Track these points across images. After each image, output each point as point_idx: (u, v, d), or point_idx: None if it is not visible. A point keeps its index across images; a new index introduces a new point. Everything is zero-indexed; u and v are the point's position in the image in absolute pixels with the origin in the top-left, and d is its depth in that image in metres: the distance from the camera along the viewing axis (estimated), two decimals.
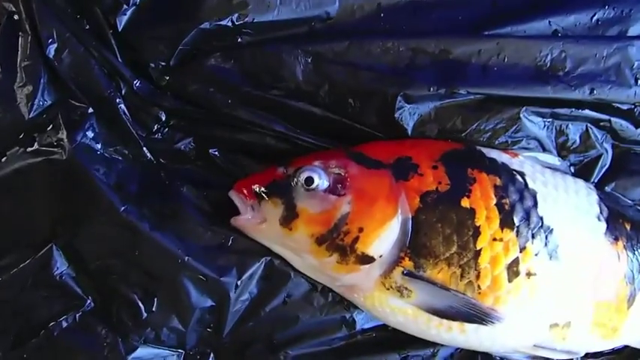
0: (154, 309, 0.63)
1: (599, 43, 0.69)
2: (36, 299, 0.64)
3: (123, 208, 0.62)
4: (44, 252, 0.63)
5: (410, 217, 0.60)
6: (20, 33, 0.63)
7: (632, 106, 0.71)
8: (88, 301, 0.64)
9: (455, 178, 0.62)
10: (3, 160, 0.64)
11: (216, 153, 0.70)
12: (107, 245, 0.63)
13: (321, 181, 0.61)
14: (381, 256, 0.59)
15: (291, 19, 0.67)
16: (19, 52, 0.63)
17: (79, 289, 0.64)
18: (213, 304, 0.64)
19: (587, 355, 0.68)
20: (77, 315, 0.64)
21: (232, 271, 0.63)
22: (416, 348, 0.68)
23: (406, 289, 0.60)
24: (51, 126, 0.64)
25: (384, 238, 0.59)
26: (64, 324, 0.64)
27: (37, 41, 0.63)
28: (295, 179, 0.61)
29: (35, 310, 0.64)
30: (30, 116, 0.63)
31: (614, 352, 0.71)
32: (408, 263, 0.59)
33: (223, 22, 0.66)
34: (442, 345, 0.68)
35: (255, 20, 0.66)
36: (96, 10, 0.65)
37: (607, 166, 0.73)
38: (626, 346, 0.69)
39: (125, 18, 0.65)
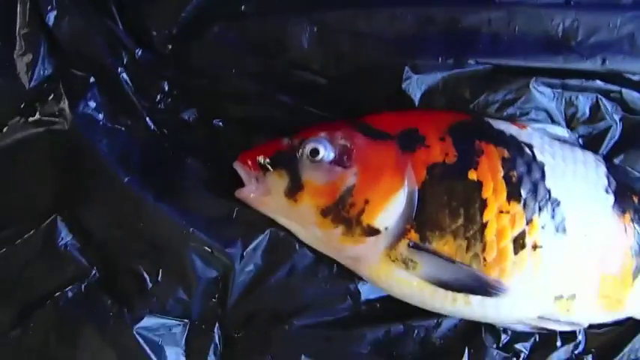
0: (159, 279, 0.63)
1: (613, 11, 0.68)
2: (41, 270, 0.64)
3: (126, 179, 0.62)
4: (48, 223, 0.63)
5: (416, 189, 0.59)
6: (19, 0, 0.62)
7: None
8: (94, 272, 0.64)
9: (462, 150, 0.61)
10: (4, 130, 0.63)
11: (220, 124, 0.69)
12: (111, 216, 0.63)
13: (326, 153, 0.60)
14: (386, 229, 0.59)
15: None
16: (18, 20, 0.62)
17: (83, 259, 0.64)
18: (218, 275, 0.64)
19: (590, 326, 0.68)
20: (83, 285, 0.64)
21: (237, 242, 0.63)
22: (420, 318, 0.68)
23: (412, 261, 0.59)
24: (52, 95, 0.63)
25: (390, 210, 0.59)
26: (70, 294, 0.64)
27: (36, 8, 0.62)
28: (300, 150, 0.61)
29: (40, 281, 0.64)
30: (30, 85, 0.62)
31: (617, 323, 0.71)
32: (413, 235, 0.59)
33: None
34: (446, 316, 0.68)
35: None
36: None
37: (616, 138, 0.72)
38: (628, 318, 0.69)
39: None
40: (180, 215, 0.63)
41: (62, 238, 0.63)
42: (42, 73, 0.63)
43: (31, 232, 0.63)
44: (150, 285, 0.63)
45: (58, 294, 0.64)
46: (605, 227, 0.64)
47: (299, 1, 0.66)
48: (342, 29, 0.65)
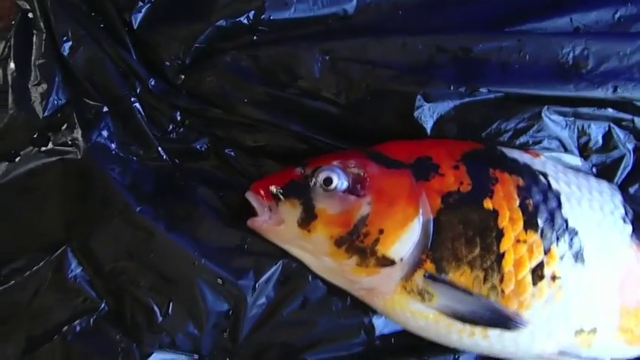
0: (169, 313, 0.62)
1: (623, 40, 0.68)
2: (50, 302, 0.63)
3: (138, 208, 0.62)
4: (58, 254, 0.62)
5: (431, 218, 0.58)
6: (35, 31, 0.63)
7: None
8: (103, 305, 0.63)
9: (476, 178, 0.60)
10: (17, 159, 0.63)
11: (232, 153, 0.69)
12: (122, 247, 0.62)
13: (340, 182, 0.60)
14: (401, 259, 0.58)
15: (308, 17, 0.66)
16: (34, 51, 0.63)
17: (93, 292, 0.63)
18: (230, 308, 0.63)
19: None
20: (91, 319, 0.63)
21: (249, 273, 0.62)
22: (435, 354, 0.66)
23: (428, 292, 0.58)
24: (65, 125, 0.63)
25: (404, 240, 0.58)
26: (78, 328, 0.63)
27: (51, 39, 0.63)
28: (313, 179, 0.60)
29: (49, 314, 0.63)
30: (44, 115, 0.63)
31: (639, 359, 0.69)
32: (429, 266, 0.58)
33: (239, 20, 0.65)
34: (463, 351, 0.66)
35: (271, 18, 0.65)
36: (111, 7, 0.64)
37: (630, 167, 0.71)
38: None
39: (140, 15, 0.65)
40: (191, 245, 0.62)
41: (72, 270, 0.63)
42: (56, 102, 0.63)
43: (41, 264, 0.62)
44: (160, 318, 0.62)
45: (66, 327, 0.63)
46: (624, 257, 0.62)
47: (310, 30, 0.67)
48: (353, 58, 0.65)
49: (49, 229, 0.63)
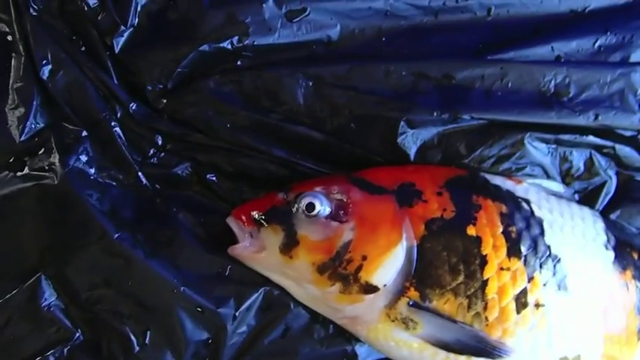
0: (147, 342, 0.60)
1: (603, 68, 0.69)
2: (22, 332, 0.61)
3: (116, 235, 0.60)
4: (32, 282, 0.61)
5: (415, 244, 0.58)
6: (13, 54, 0.62)
7: (636, 133, 0.70)
8: (78, 334, 0.61)
9: (460, 204, 0.60)
10: None
11: (214, 178, 0.68)
12: (99, 274, 0.61)
13: (322, 207, 0.59)
14: (385, 286, 0.57)
15: (292, 43, 0.66)
16: (12, 74, 0.62)
17: (68, 321, 0.61)
18: (210, 337, 0.61)
19: None
20: (65, 349, 0.61)
21: (230, 301, 0.61)
22: None
23: (412, 320, 0.57)
24: (42, 150, 0.62)
25: (388, 267, 0.57)
26: (52, 358, 0.61)
27: (30, 63, 0.62)
28: (296, 205, 0.59)
29: (21, 344, 0.61)
30: (21, 139, 0.62)
31: None
32: (413, 294, 0.57)
33: (223, 45, 0.65)
34: None
35: (255, 43, 0.65)
36: (92, 31, 0.63)
37: (611, 193, 0.71)
38: None
39: (122, 40, 0.64)
40: (170, 273, 0.61)
41: (46, 299, 0.61)
42: (33, 126, 0.62)
43: (14, 292, 0.60)
44: (137, 348, 0.60)
45: (39, 358, 0.61)
46: (607, 285, 0.62)
47: (294, 55, 0.67)
48: (337, 83, 0.65)
49: (23, 256, 0.62)
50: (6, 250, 0.62)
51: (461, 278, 0.57)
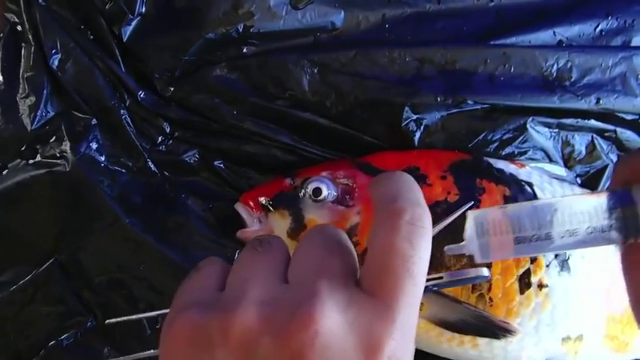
0: (158, 326, 0.61)
1: (605, 52, 0.69)
2: (37, 316, 0.62)
3: (128, 220, 0.61)
4: (46, 267, 0.62)
5: None
6: (23, 44, 0.62)
7: (637, 116, 0.70)
8: (91, 318, 0.63)
9: (464, 188, 0.61)
10: (4, 172, 0.62)
11: (222, 165, 0.69)
12: (111, 259, 0.62)
13: (329, 192, 0.60)
14: None
15: (297, 29, 0.66)
16: (22, 63, 0.62)
17: (81, 304, 0.63)
18: None
19: None
20: (79, 332, 0.62)
21: None
22: None
23: None
24: (54, 137, 0.63)
25: None
26: (65, 342, 0.62)
27: (40, 52, 0.62)
28: (303, 190, 0.60)
29: (36, 328, 0.62)
30: (32, 128, 0.62)
31: None
32: None
33: (229, 33, 0.65)
34: None
35: (260, 30, 0.65)
36: (100, 20, 0.64)
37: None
38: None
39: (130, 28, 0.64)
40: (181, 257, 0.62)
41: (60, 283, 0.62)
42: (44, 115, 0.63)
43: (28, 277, 0.62)
44: (149, 332, 0.61)
45: (53, 342, 0.62)
46: (610, 266, 0.63)
47: (299, 42, 0.67)
48: (342, 70, 0.66)
49: (37, 242, 0.63)
50: (19, 236, 0.63)
51: (465, 260, 0.58)
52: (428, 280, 0.38)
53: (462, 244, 0.38)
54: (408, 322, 0.34)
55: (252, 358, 0.33)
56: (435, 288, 0.40)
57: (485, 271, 0.40)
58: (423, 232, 0.36)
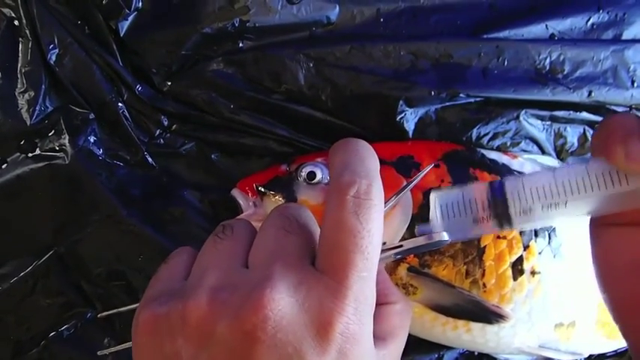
0: None
1: (596, 46, 0.70)
2: (37, 308, 0.63)
3: (126, 212, 0.62)
4: (46, 259, 0.62)
5: (413, 213, 0.59)
6: (20, 39, 0.63)
7: (628, 109, 0.71)
8: (91, 309, 0.63)
9: (457, 176, 0.62)
10: (4, 166, 0.63)
11: (219, 157, 0.70)
12: (110, 251, 0.62)
13: (323, 176, 0.61)
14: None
15: (293, 24, 0.67)
16: (20, 58, 0.63)
17: (81, 296, 0.63)
18: None
19: (590, 356, 0.68)
20: (79, 323, 0.63)
21: None
22: (421, 353, 0.67)
23: (412, 285, 0.59)
24: (53, 131, 0.63)
25: (387, 233, 0.59)
26: (66, 333, 0.63)
27: (37, 47, 0.63)
28: (297, 175, 0.61)
29: (36, 320, 0.63)
30: (31, 122, 0.63)
31: (617, 354, 0.70)
32: (412, 260, 0.59)
33: (225, 27, 0.66)
34: (447, 349, 0.67)
35: (256, 25, 0.66)
36: (97, 15, 0.64)
37: None
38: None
39: (127, 23, 0.65)
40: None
41: (59, 275, 0.63)
42: (43, 109, 0.64)
43: (28, 269, 0.62)
44: None
45: (53, 333, 0.63)
46: None
47: (295, 37, 0.68)
48: (337, 64, 0.66)
49: (37, 235, 0.63)
50: (19, 228, 0.64)
51: (459, 245, 0.59)
52: (387, 250, 0.39)
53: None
54: (362, 297, 0.34)
55: (210, 343, 0.33)
56: (399, 256, 0.40)
57: (445, 235, 0.40)
58: (370, 204, 0.36)
